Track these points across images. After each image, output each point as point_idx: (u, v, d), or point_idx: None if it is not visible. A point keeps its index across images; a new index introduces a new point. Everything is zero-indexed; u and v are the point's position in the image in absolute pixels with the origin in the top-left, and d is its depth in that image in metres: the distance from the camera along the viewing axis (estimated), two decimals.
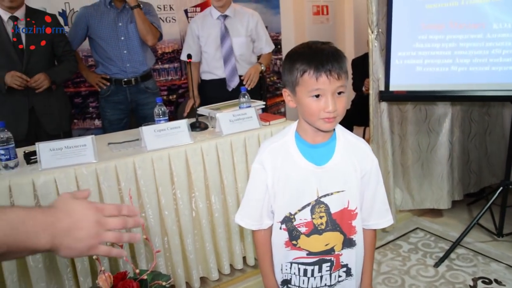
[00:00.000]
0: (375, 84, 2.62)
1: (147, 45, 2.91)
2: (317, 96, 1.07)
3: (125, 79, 2.89)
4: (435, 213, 2.98)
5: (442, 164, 2.82)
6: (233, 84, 2.95)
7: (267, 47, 3.09)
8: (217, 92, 2.92)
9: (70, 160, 1.82)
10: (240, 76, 2.96)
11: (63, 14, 3.36)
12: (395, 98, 2.63)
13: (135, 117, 3.02)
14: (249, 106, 2.40)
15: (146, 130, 2.05)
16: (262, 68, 3.01)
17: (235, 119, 2.26)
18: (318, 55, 1.06)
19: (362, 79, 3.66)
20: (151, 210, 1.99)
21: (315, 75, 1.05)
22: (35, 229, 0.66)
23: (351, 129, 4.02)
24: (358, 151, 1.22)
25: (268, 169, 1.21)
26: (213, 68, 2.97)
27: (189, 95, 3.12)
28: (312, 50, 1.09)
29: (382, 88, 2.58)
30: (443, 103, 2.75)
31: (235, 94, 2.70)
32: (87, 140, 1.86)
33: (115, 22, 2.81)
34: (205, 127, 2.37)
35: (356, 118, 3.80)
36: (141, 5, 2.77)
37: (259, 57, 3.15)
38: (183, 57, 2.98)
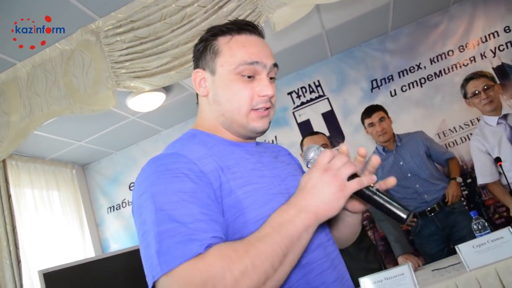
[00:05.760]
0: None
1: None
2: None
3: (428, 208, 2.85)
4: None
5: None
6: None
7: None
8: None
9: None
10: None
11: None
12: None
13: (453, 243, 2.84)
14: None
15: (463, 248, 1.94)
16: None
17: None
18: None
19: None
20: None
21: None
22: (295, 220, 0.77)
23: None
24: None
25: None
26: None
27: None
28: None
29: None
30: None
31: None
32: (405, 269, 1.89)
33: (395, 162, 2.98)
34: None
35: None
36: None
37: None
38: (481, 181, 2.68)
